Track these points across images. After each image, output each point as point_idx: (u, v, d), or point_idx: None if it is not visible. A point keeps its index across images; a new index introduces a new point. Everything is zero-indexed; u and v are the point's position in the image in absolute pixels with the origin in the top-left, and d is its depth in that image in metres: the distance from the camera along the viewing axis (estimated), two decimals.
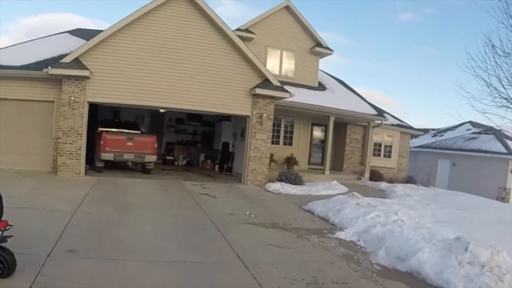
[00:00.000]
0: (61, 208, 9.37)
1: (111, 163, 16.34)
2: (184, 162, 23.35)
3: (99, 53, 14.64)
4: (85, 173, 14.99)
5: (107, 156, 15.46)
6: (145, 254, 6.54)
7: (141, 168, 17.02)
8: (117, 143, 15.48)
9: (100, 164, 15.92)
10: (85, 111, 14.67)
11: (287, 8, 21.12)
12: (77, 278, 5.42)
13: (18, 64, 15.14)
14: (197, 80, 15.68)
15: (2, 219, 5.58)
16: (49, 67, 14.12)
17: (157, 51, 15.22)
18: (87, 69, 14.24)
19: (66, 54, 14.62)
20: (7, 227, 5.48)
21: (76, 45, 15.52)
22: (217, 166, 21.78)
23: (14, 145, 15.15)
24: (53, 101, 15.10)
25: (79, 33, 19.24)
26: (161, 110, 19.76)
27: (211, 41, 15.99)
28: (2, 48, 17.48)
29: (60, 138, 14.51)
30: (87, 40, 15.14)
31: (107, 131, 15.93)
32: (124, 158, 15.77)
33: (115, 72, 14.77)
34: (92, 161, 15.99)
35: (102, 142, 15.36)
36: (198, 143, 24.64)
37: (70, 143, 14.50)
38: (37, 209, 9.23)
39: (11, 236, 5.43)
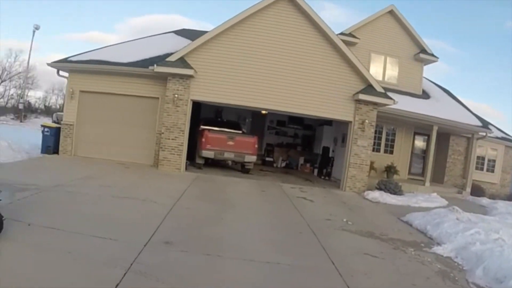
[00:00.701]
0: (160, 201, 9.64)
1: (211, 160, 16.67)
2: (283, 165, 23.29)
3: (203, 53, 14.99)
4: (185, 168, 15.41)
5: (208, 153, 15.75)
6: (240, 252, 6.45)
7: (241, 168, 17.19)
8: (219, 141, 15.73)
9: (200, 161, 16.27)
10: (188, 109, 15.08)
11: (391, 13, 20.39)
12: (172, 269, 5.46)
13: (125, 61, 15.93)
14: (299, 82, 15.53)
15: None
16: (155, 65, 14.71)
17: (259, 52, 15.31)
18: (191, 68, 14.62)
19: (172, 53, 15.18)
20: None
21: (181, 44, 16.03)
22: (315, 170, 21.47)
23: (119, 137, 16.09)
24: (158, 98, 15.73)
25: (184, 33, 19.88)
26: (263, 112, 19.82)
27: (314, 44, 15.75)
28: (111, 45, 18.51)
29: (163, 133, 15.02)
30: (191, 40, 15.60)
31: (209, 129, 16.25)
32: (225, 156, 16.00)
33: (218, 72, 15.07)
34: (192, 157, 16.37)
35: (203, 139, 15.67)
36: (298, 146, 24.48)
37: (172, 139, 14.96)
38: (137, 200, 9.60)
39: None
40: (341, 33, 19.12)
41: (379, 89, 16.01)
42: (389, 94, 16.45)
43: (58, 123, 18.39)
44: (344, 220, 10.35)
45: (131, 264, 5.38)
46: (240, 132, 17.80)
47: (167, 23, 77.15)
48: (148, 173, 14.04)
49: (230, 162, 17.66)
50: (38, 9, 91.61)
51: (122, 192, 10.26)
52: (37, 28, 46.29)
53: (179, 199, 10.08)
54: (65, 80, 17.84)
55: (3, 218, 6.05)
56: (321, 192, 15.03)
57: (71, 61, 16.95)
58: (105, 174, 13.08)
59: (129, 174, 13.54)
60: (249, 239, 7.35)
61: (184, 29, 21.26)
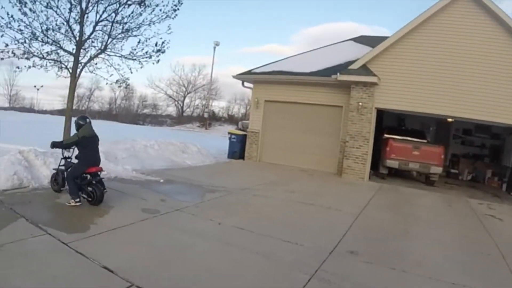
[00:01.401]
0: (345, 209, 9.57)
1: (394, 170, 16.06)
2: (469, 177, 21.35)
3: (385, 59, 14.50)
4: (369, 178, 15.06)
5: (392, 163, 15.20)
6: (425, 270, 6.02)
7: (425, 179, 16.18)
8: (403, 151, 15.07)
9: (384, 171, 15.76)
10: (373, 117, 14.76)
11: None
12: (356, 280, 5.33)
13: (307, 70, 16.17)
14: (488, 87, 13.92)
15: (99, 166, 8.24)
16: (338, 73, 14.67)
17: (443, 55, 14.07)
18: (374, 75, 14.27)
19: (352, 61, 15.02)
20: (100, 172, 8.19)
21: (360, 52, 15.75)
22: (504, 185, 19.40)
23: (303, 145, 16.42)
24: (341, 106, 15.65)
25: (362, 40, 19.53)
26: (449, 120, 18.50)
27: (505, 45, 14.10)
28: (290, 56, 18.98)
29: (347, 142, 14.92)
30: (371, 47, 15.21)
31: (393, 138, 15.66)
32: (409, 167, 15.25)
33: (401, 78, 14.37)
34: (376, 167, 15.93)
35: (388, 149, 15.17)
36: (485, 158, 22.29)
37: (356, 148, 14.78)
38: (322, 207, 9.67)
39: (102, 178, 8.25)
40: None
41: None
42: None
43: (243, 130, 19.39)
44: None
45: (316, 271, 5.39)
46: (425, 141, 16.80)
47: (342, 31, 76.73)
48: (332, 181, 14.07)
49: (414, 173, 16.79)
50: (218, 27, 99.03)
51: (307, 198, 10.43)
52: (217, 44, 50.29)
53: (363, 209, 9.86)
54: (247, 90, 18.86)
55: (105, 191, 7.98)
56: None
57: (255, 73, 17.84)
58: (289, 180, 13.43)
59: (313, 181, 13.74)
60: (435, 256, 6.81)
61: (362, 36, 20.93)
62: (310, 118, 16.52)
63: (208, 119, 53.30)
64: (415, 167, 15.23)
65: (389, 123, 19.23)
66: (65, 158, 8.48)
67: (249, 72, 18.07)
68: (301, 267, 5.48)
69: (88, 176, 7.87)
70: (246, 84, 18.56)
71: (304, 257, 5.86)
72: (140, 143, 14.99)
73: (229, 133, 19.29)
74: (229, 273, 5.16)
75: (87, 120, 8.25)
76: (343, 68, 15.23)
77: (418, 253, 6.82)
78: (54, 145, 7.96)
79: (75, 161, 8.20)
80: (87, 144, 8.01)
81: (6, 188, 8.25)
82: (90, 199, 7.74)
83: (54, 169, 8.76)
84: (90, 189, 7.76)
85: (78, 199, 7.66)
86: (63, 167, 8.38)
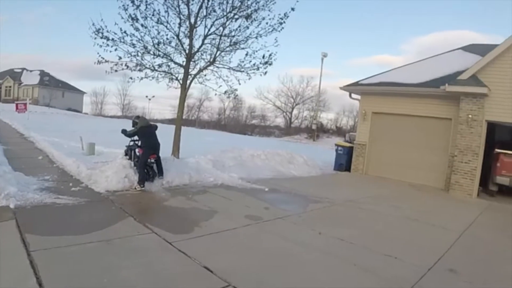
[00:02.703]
0: (449, 227, 8.99)
1: (505, 187, 14.89)
2: None
3: (496, 68, 13.37)
4: (477, 195, 14.07)
5: (502, 180, 14.10)
6: None
7: None
8: None
9: (494, 188, 14.65)
10: (483, 130, 13.77)
11: None
12: None
13: (414, 81, 15.57)
14: None
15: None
16: (446, 84, 13.89)
17: None
18: (484, 86, 13.31)
19: (461, 71, 14.09)
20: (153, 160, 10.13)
21: (470, 61, 14.77)
22: None
23: (409, 158, 15.77)
24: (450, 119, 14.81)
25: (472, 49, 18.37)
26: None
27: None
28: (398, 67, 18.44)
29: (456, 156, 14.08)
30: (481, 56, 14.14)
31: (505, 153, 14.54)
32: None
33: None
34: (485, 183, 14.90)
35: (498, 164, 14.10)
36: None
37: (465, 162, 13.88)
38: (427, 224, 9.17)
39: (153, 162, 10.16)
40: None
41: None
42: None
43: (350, 142, 19.11)
44: None
45: (413, 286, 5.20)
46: None
47: (454, 40, 72.66)
48: (438, 197, 13.33)
49: None
50: (328, 38, 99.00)
51: (412, 214, 9.99)
52: (325, 56, 50.15)
53: (468, 227, 9.21)
54: (355, 102, 18.55)
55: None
56: None
57: (362, 84, 17.54)
58: (395, 194, 12.99)
59: (419, 196, 13.12)
60: None
61: (472, 45, 19.71)
62: (418, 130, 15.80)
63: (316, 131, 53.12)
64: None
65: (501, 137, 17.87)
66: (133, 140, 10.69)
67: (356, 84, 17.82)
68: (399, 281, 5.33)
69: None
70: (353, 95, 18.30)
71: (402, 272, 5.70)
72: (247, 153, 15.35)
73: (336, 145, 19.13)
74: (325, 282, 5.13)
75: (139, 117, 10.95)
76: (452, 78, 14.35)
77: None
78: (122, 132, 10.56)
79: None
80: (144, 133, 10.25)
81: (117, 189, 9.03)
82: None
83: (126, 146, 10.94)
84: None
85: (143, 185, 9.43)
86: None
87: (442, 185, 14.93)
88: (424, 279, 5.51)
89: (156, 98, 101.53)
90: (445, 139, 15.02)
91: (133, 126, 10.55)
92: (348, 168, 17.70)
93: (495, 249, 7.83)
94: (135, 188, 9.24)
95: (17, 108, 34.92)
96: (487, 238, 8.59)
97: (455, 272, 5.93)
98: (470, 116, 13.71)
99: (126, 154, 10.47)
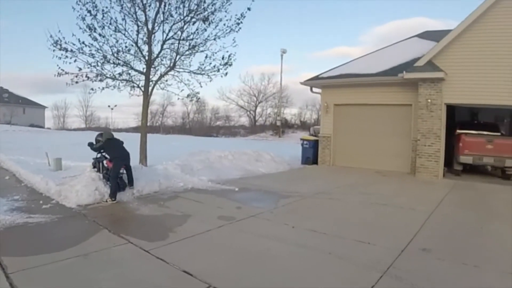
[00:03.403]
0: (418, 208, 9.33)
1: (469, 166, 15.40)
2: None
3: (451, 53, 13.88)
4: (443, 175, 14.54)
5: (465, 159, 14.62)
6: (498, 265, 5.75)
7: (501, 173, 15.37)
8: (476, 145, 14.43)
9: (458, 167, 15.17)
10: (443, 113, 14.25)
11: None
12: (427, 276, 5.23)
13: (373, 71, 16.00)
14: None
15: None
16: (404, 71, 14.39)
17: None
18: (441, 70, 13.81)
19: (418, 58, 14.64)
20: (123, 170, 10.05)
21: (426, 48, 15.26)
22: None
23: (374, 146, 16.18)
24: (410, 104, 15.26)
25: (427, 35, 18.94)
26: None
27: None
28: (357, 58, 18.91)
29: (419, 140, 14.51)
30: (436, 41, 14.63)
31: (465, 133, 15.04)
32: (483, 161, 14.55)
33: (470, 71, 13.59)
34: (450, 164, 15.40)
35: (461, 144, 14.62)
36: None
37: (428, 145, 14.35)
38: (396, 207, 9.50)
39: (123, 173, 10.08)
40: None
41: None
42: None
43: (315, 135, 19.38)
44: None
45: (388, 268, 5.38)
46: (499, 134, 15.97)
47: (411, 27, 73.93)
48: (405, 181, 13.76)
49: (489, 168, 15.98)
50: (285, 34, 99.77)
51: (381, 199, 10.29)
52: (284, 52, 50.77)
53: (437, 207, 9.54)
54: (317, 96, 18.80)
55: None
56: None
57: (322, 78, 17.85)
58: (363, 182, 13.27)
59: (386, 182, 13.51)
60: (509, 252, 6.49)
61: (426, 32, 20.28)
62: (381, 118, 16.24)
63: (281, 127, 53.54)
64: (490, 161, 14.47)
65: (462, 118, 18.44)
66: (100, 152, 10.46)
67: (316, 78, 18.09)
68: (373, 265, 5.49)
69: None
70: (314, 89, 18.56)
71: (376, 256, 5.85)
72: (214, 154, 15.41)
73: (301, 139, 19.37)
74: (303, 274, 5.26)
75: (102, 133, 10.92)
76: (409, 66, 14.84)
77: (492, 250, 6.53)
78: (89, 145, 10.54)
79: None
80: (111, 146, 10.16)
81: (88, 203, 8.97)
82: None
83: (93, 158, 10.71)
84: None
85: (114, 198, 9.34)
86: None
87: (408, 169, 15.37)
88: (398, 260, 5.71)
89: (119, 107, 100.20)
90: (407, 125, 15.46)
91: (97, 143, 10.48)
92: (315, 161, 17.98)
93: (463, 224, 8.17)
94: (107, 201, 9.19)
95: None
96: (455, 215, 8.95)
97: (428, 251, 6.17)
98: (429, 100, 14.18)
99: (94, 167, 10.34)
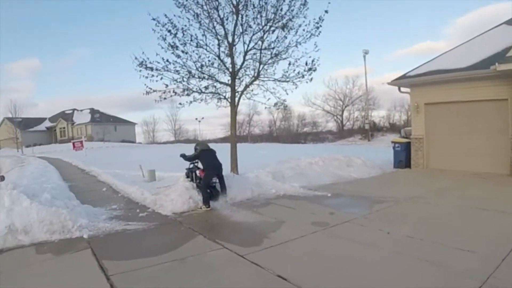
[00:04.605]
0: None
1: None
2: None
3: None
4: None
5: None
6: None
7: None
8: None
9: None
10: None
11: None
12: None
13: (462, 65, 15.05)
14: None
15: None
16: (496, 63, 13.34)
17: None
18: None
19: (510, 47, 13.54)
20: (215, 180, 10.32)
21: None
22: None
23: (470, 146, 15.16)
24: (506, 99, 14.21)
25: None
26: None
27: None
28: (443, 53, 17.95)
29: None
30: None
31: None
32: None
33: None
34: None
35: None
36: None
37: None
38: (496, 212, 8.80)
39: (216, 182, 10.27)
40: None
41: None
42: None
43: (407, 137, 18.71)
44: None
45: (488, 278, 5.04)
46: None
47: (496, 14, 68.94)
48: (505, 183, 12.68)
49: None
50: (365, 35, 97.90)
51: (480, 203, 9.63)
52: (366, 52, 49.64)
53: None
54: (405, 96, 18.19)
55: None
56: None
57: (409, 76, 17.19)
58: (460, 185, 12.54)
59: (484, 184, 12.60)
60: None
61: None
62: (474, 116, 15.12)
63: (370, 130, 52.33)
64: None
65: None
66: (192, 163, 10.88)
67: (403, 77, 17.49)
68: (472, 274, 5.18)
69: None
70: (402, 89, 17.97)
71: (475, 264, 5.51)
72: (304, 161, 15.36)
73: (392, 142, 18.81)
74: (397, 281, 5.10)
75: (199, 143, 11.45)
76: (501, 56, 13.72)
77: None
78: (181, 156, 10.93)
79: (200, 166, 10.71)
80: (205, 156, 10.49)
81: (183, 210, 9.35)
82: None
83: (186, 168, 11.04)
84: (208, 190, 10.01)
85: (208, 205, 9.64)
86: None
87: (508, 170, 14.31)
88: (498, 270, 5.32)
89: (206, 119, 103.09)
90: (503, 122, 14.41)
91: (195, 151, 10.87)
92: (408, 164, 17.34)
93: None
94: (201, 208, 9.51)
95: (74, 146, 36.90)
96: None
97: None
98: None
99: (187, 177, 10.70)
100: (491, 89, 14.41)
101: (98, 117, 72.99)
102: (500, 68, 13.12)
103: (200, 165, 10.64)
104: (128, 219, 8.55)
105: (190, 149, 11.79)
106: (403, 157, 17.41)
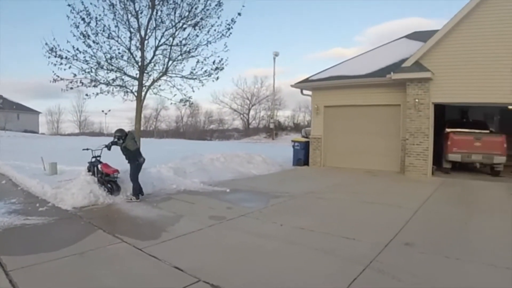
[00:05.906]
0: (405, 206, 9.63)
1: (458, 164, 15.73)
2: None
3: (437, 53, 14.30)
4: (432, 173, 14.90)
5: (454, 157, 14.95)
6: (480, 257, 6.02)
7: (490, 170, 15.68)
8: (465, 143, 14.75)
9: (447, 165, 15.50)
10: (431, 112, 14.61)
11: None
12: (408, 269, 5.48)
13: (362, 73, 16.33)
14: None
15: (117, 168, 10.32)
16: (392, 72, 14.73)
17: (503, 40, 13.26)
18: (428, 70, 14.20)
19: (406, 59, 15.01)
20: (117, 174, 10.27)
21: (414, 49, 15.68)
22: None
23: (364, 146, 16.52)
24: (399, 105, 15.62)
25: (416, 36, 19.38)
26: (510, 107, 17.75)
27: None
28: (347, 60, 19.28)
29: (407, 139, 14.87)
30: (424, 42, 14.99)
31: (454, 132, 15.37)
32: (472, 159, 14.85)
33: (457, 70, 13.97)
34: (438, 162, 15.72)
35: (449, 143, 14.94)
36: None
37: (417, 144, 14.70)
38: (384, 205, 9.81)
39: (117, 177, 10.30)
40: None
41: None
42: None
43: (306, 137, 19.62)
44: None
45: (371, 262, 5.64)
46: (487, 132, 16.24)
47: (406, 27, 73.56)
48: (394, 180, 14.09)
49: (478, 165, 16.22)
50: (280, 37, 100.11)
51: (370, 198, 10.60)
52: (276, 55, 50.98)
53: (423, 204, 9.86)
54: (310, 98, 19.07)
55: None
56: None
57: (312, 80, 18.16)
58: (353, 182, 13.63)
59: (375, 181, 13.86)
60: (492, 245, 6.68)
61: (415, 32, 20.72)
62: (370, 119, 16.59)
63: (274, 129, 53.70)
64: (478, 159, 14.77)
65: (452, 116, 18.78)
66: (94, 157, 10.68)
67: (306, 80, 18.39)
68: (357, 259, 5.74)
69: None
70: (305, 92, 18.90)
71: (361, 251, 6.11)
72: (207, 157, 15.67)
73: (292, 141, 19.65)
74: (290, 268, 5.51)
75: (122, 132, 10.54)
76: (397, 66, 15.23)
77: (474, 243, 6.80)
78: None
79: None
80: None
81: (83, 205, 9.22)
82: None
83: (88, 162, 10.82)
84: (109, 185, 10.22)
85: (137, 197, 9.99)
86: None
87: (398, 168, 15.69)
88: (381, 254, 5.97)
89: (112, 112, 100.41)
90: (396, 125, 15.79)
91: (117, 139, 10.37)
92: (306, 162, 18.28)
93: (448, 220, 8.43)
94: (131, 199, 9.85)
95: None
96: (441, 211, 9.24)
97: (411, 245, 6.43)
98: (417, 100, 14.53)
99: (89, 170, 10.57)
100: (386, 95, 15.76)
101: (1, 103, 66.61)
102: (395, 77, 14.44)
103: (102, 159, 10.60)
104: (28, 214, 8.33)
105: (95, 142, 11.70)
106: (302, 155, 18.32)
